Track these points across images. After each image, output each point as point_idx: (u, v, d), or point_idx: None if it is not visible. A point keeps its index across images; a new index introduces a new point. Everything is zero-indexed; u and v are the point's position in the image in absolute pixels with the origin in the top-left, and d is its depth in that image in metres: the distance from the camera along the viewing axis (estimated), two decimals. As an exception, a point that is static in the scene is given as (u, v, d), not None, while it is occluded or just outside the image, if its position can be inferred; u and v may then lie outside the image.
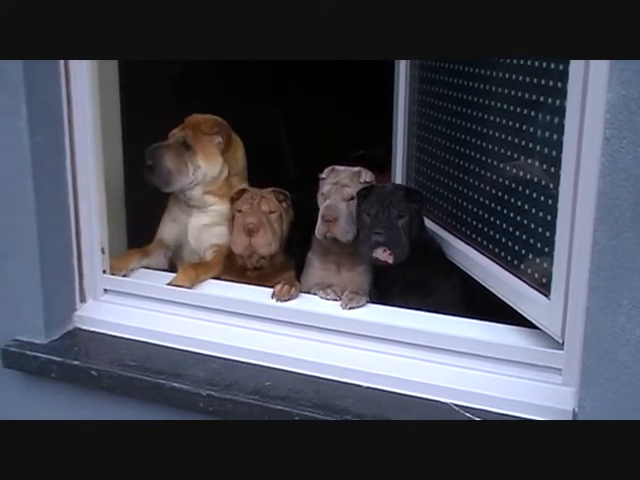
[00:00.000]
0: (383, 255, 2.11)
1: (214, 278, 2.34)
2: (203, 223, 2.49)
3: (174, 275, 2.29)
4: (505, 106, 1.96)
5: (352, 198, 2.25)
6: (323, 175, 2.32)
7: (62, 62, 2.06)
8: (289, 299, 2.12)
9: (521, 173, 1.91)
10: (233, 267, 2.42)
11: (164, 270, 2.44)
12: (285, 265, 2.45)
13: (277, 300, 2.11)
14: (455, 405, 1.79)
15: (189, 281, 2.24)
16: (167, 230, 2.52)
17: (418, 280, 2.25)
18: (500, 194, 2.02)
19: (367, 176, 2.31)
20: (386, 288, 2.27)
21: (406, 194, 2.20)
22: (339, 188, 2.25)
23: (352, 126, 4.18)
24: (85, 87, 2.11)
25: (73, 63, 2.08)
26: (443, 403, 1.80)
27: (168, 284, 2.23)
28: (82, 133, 2.13)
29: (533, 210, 1.85)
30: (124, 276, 2.31)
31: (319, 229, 2.23)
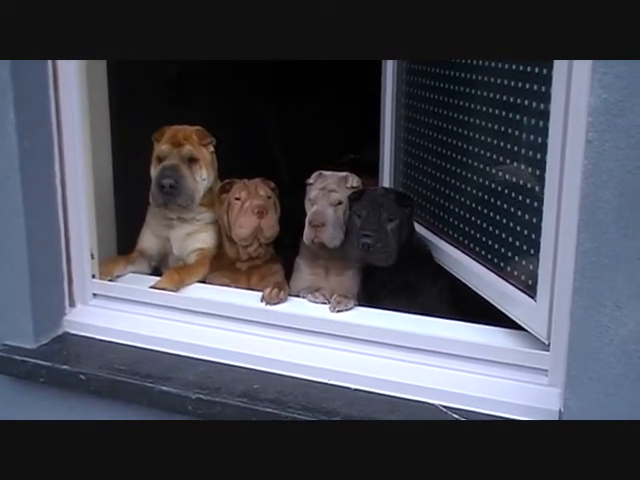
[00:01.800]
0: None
1: (200, 281, 2.35)
2: (186, 232, 2.49)
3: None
4: (490, 110, 1.98)
5: (339, 203, 2.26)
6: (310, 180, 2.33)
7: (50, 66, 2.07)
8: (278, 302, 2.12)
9: (507, 176, 1.93)
10: (222, 262, 2.43)
11: (152, 275, 2.44)
12: (273, 258, 2.49)
13: (266, 304, 2.11)
14: (442, 406, 1.80)
15: (173, 284, 2.24)
16: (148, 243, 2.51)
17: (406, 282, 2.26)
18: (486, 197, 2.03)
19: (354, 181, 2.33)
20: (374, 290, 2.28)
21: (397, 198, 2.22)
22: (326, 193, 2.26)
23: (344, 130, 4.20)
24: (74, 91, 2.11)
25: (61, 66, 2.09)
26: (431, 404, 1.81)
27: (151, 287, 2.23)
28: (71, 137, 2.13)
29: (519, 212, 1.87)
30: (110, 281, 2.31)
31: (307, 234, 2.24)
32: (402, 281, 2.26)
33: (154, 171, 2.42)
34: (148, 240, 2.52)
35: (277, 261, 2.49)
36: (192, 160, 2.41)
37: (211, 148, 2.48)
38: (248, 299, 2.16)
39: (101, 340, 2.16)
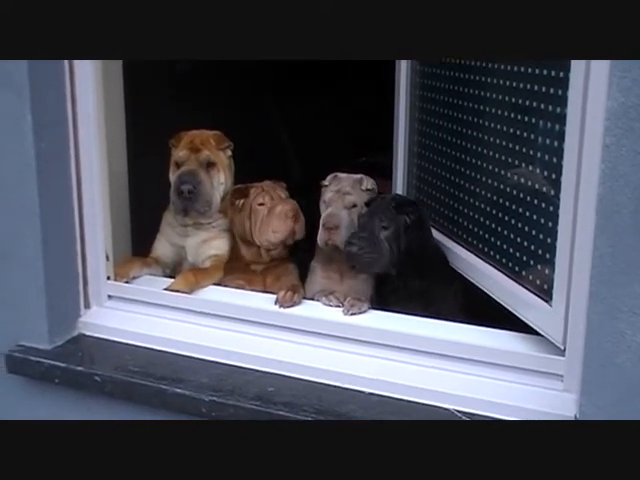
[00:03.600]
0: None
1: (215, 284, 2.35)
2: (202, 239, 2.49)
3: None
4: (506, 113, 1.97)
5: (354, 206, 2.26)
6: (325, 182, 2.34)
7: (67, 66, 2.07)
8: (292, 305, 2.12)
9: (522, 180, 1.92)
10: (235, 264, 2.43)
11: (168, 277, 2.44)
12: (287, 257, 2.48)
13: (280, 306, 2.11)
14: (457, 411, 1.79)
15: (188, 286, 2.25)
16: (163, 251, 2.52)
17: (420, 289, 2.24)
18: (501, 201, 2.02)
19: (369, 183, 2.33)
20: (388, 296, 2.27)
21: (397, 205, 2.21)
22: (341, 196, 2.27)
23: (358, 132, 4.20)
24: (90, 91, 2.12)
25: (78, 67, 2.09)
26: (445, 409, 1.80)
27: (166, 289, 2.24)
28: (87, 138, 2.14)
29: (534, 217, 1.86)
30: (126, 283, 2.32)
31: (320, 237, 2.24)
32: (416, 287, 2.24)
33: (173, 177, 2.42)
34: (162, 248, 2.52)
35: (291, 261, 2.49)
36: (210, 165, 2.42)
37: (229, 152, 2.49)
38: (262, 301, 2.16)
39: (116, 342, 2.17)
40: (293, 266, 2.48)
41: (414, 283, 2.24)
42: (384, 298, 2.27)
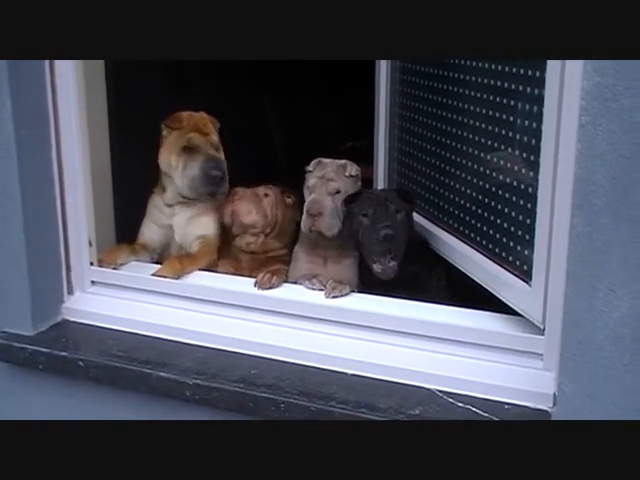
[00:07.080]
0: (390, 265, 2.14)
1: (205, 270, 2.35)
2: (188, 216, 2.48)
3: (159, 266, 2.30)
4: (485, 96, 1.98)
5: (337, 192, 2.26)
6: (310, 168, 2.34)
7: (46, 54, 2.07)
8: (270, 287, 2.13)
9: (502, 162, 1.93)
10: (229, 255, 2.44)
11: (155, 263, 2.44)
12: (281, 256, 2.48)
13: (259, 288, 2.12)
14: (438, 391, 1.81)
15: (174, 272, 2.25)
16: (150, 235, 2.51)
17: (404, 276, 2.25)
18: (481, 183, 2.04)
19: (352, 169, 2.32)
20: (371, 282, 2.26)
21: (399, 193, 2.24)
22: (324, 182, 2.26)
23: (342, 118, 4.19)
24: (70, 78, 2.11)
25: (57, 55, 2.08)
26: (427, 389, 1.82)
27: (152, 274, 2.24)
28: (68, 124, 2.13)
29: (514, 198, 1.87)
30: (113, 269, 2.31)
31: (304, 223, 2.25)
32: (400, 274, 2.25)
33: (180, 161, 2.40)
34: (149, 231, 2.51)
35: (284, 259, 2.47)
36: (216, 148, 2.46)
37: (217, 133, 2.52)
38: (245, 286, 2.17)
39: (99, 327, 2.17)
40: (282, 266, 2.42)
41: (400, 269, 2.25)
42: (371, 285, 2.27)
